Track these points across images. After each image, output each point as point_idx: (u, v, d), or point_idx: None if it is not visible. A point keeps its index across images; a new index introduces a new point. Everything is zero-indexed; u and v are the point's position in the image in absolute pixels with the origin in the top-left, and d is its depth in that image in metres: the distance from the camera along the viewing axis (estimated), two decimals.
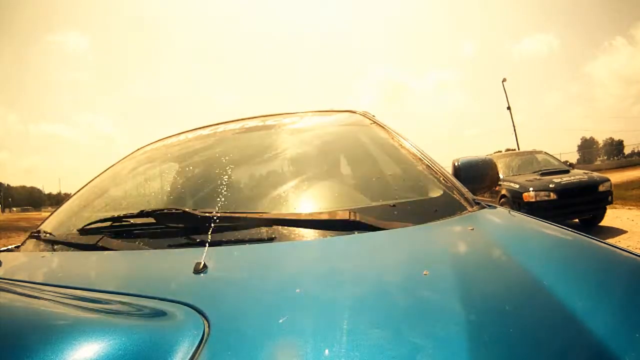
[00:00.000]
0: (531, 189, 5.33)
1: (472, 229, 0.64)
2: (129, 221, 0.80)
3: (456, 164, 1.08)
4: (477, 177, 1.06)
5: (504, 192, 5.72)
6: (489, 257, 0.56)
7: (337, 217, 0.69)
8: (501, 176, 5.72)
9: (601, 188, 5.43)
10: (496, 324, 0.38)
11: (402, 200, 0.78)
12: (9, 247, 1.07)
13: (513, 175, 6.07)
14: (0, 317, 0.41)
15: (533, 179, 5.65)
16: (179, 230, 0.73)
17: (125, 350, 0.34)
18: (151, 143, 1.43)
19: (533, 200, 5.27)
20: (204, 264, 0.54)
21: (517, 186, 5.52)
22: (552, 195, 5.26)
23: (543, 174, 5.78)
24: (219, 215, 0.70)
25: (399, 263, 0.56)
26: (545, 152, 6.89)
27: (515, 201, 5.44)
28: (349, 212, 0.68)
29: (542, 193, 5.29)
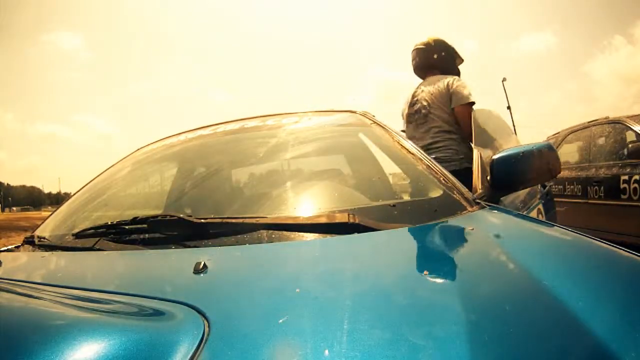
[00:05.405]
0: None
1: (472, 229, 0.64)
2: (125, 227, 0.80)
3: (495, 157, 0.86)
4: (535, 168, 0.86)
5: None
6: (489, 257, 0.56)
7: (338, 218, 0.69)
8: None
9: None
10: (496, 324, 0.38)
11: (402, 200, 0.78)
12: (9, 247, 1.07)
13: None
14: (0, 317, 0.41)
15: None
16: (176, 236, 0.73)
17: (125, 350, 0.34)
18: (151, 143, 1.43)
19: None
20: (204, 264, 0.54)
21: None
22: None
23: None
24: (216, 221, 0.70)
25: (399, 263, 0.56)
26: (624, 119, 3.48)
27: None
28: (349, 213, 0.69)
29: None
